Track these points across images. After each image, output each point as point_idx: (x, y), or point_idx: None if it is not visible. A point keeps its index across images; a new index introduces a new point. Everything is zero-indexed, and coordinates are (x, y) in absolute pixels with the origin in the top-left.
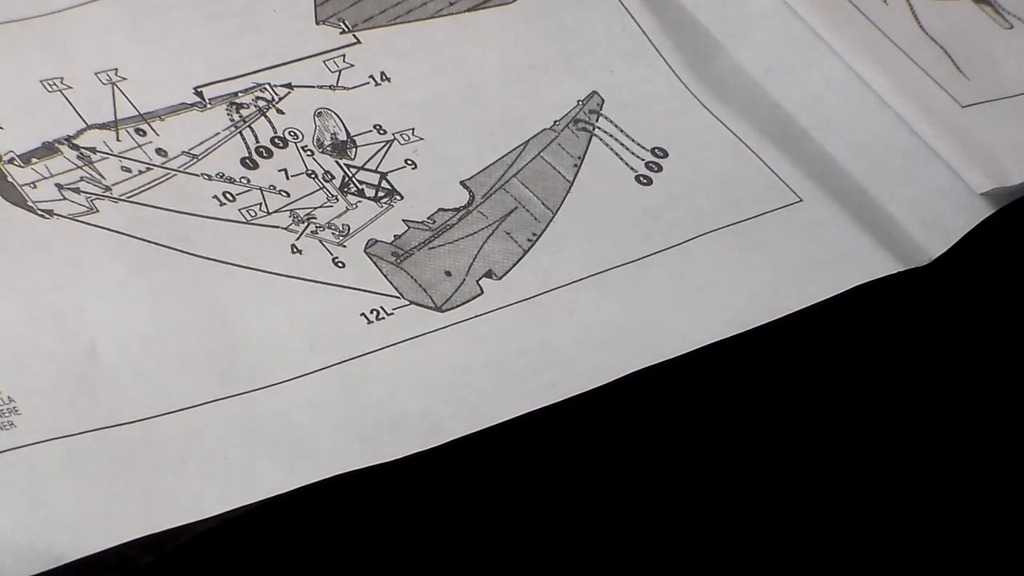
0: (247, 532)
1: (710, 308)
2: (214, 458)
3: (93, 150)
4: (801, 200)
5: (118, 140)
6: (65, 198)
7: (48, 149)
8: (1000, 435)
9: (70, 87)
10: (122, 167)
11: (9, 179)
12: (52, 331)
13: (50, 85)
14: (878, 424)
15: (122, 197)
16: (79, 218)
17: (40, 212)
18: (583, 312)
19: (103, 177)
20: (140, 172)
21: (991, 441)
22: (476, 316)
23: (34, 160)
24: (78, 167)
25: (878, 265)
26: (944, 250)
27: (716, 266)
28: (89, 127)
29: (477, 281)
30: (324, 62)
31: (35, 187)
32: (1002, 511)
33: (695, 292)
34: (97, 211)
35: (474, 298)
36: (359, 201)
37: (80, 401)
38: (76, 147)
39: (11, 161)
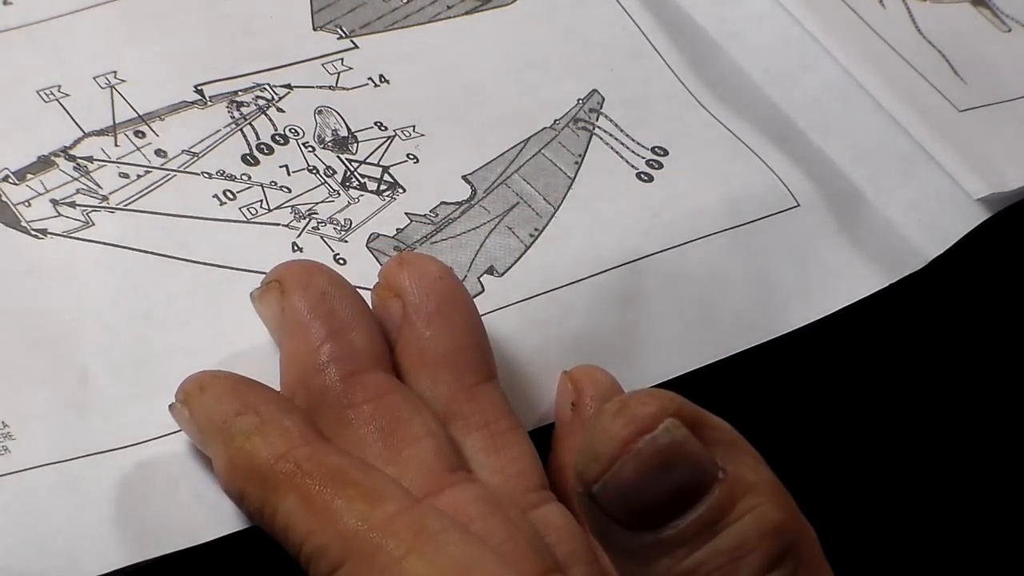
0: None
1: (700, 324)
2: (208, 482)
3: (90, 159)
4: (799, 205)
5: (116, 146)
6: (60, 214)
7: (44, 163)
8: (994, 437)
9: (67, 95)
10: (120, 173)
11: (3, 199)
12: (46, 356)
13: (47, 95)
14: (874, 427)
15: (119, 206)
16: (73, 234)
17: (34, 232)
18: (579, 318)
19: (100, 187)
20: (139, 176)
21: (985, 443)
22: None
23: (29, 176)
24: (74, 179)
25: (869, 280)
26: (940, 253)
27: (710, 276)
28: (87, 135)
29: (479, 278)
30: (322, 65)
31: (30, 205)
32: (1003, 514)
33: (687, 305)
34: (93, 224)
35: (475, 296)
36: (361, 195)
37: (73, 426)
38: (72, 158)
39: (6, 179)
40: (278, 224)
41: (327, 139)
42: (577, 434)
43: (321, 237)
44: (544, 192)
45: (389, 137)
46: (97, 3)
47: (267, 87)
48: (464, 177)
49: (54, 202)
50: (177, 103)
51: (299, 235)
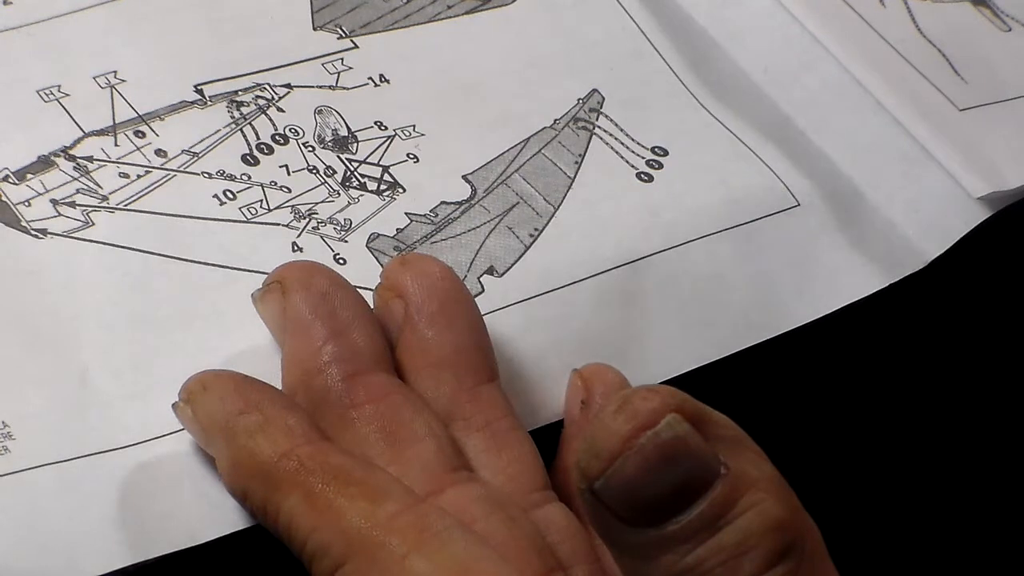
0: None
1: (700, 324)
2: (208, 482)
3: (90, 159)
4: (799, 205)
5: (116, 145)
6: (60, 214)
7: (44, 163)
8: (993, 437)
9: (67, 95)
10: (120, 173)
11: (3, 199)
12: (46, 356)
13: (47, 95)
14: (874, 427)
15: (119, 206)
16: (74, 234)
17: (33, 232)
18: (580, 319)
19: (100, 187)
20: (139, 176)
21: (985, 442)
22: None
23: (29, 176)
24: (74, 179)
25: (869, 280)
26: (940, 252)
27: (710, 276)
28: (87, 135)
29: (478, 278)
30: (323, 65)
31: (29, 205)
32: (1002, 513)
33: (687, 305)
34: (93, 224)
35: (476, 296)
36: (361, 195)
37: (73, 426)
38: (72, 158)
39: (6, 179)
40: (278, 224)
41: (327, 139)
42: None
43: (321, 237)
44: (544, 192)
45: (389, 137)
46: (97, 3)
47: (267, 87)
48: (464, 177)
49: (54, 202)
50: (177, 103)
51: (299, 235)
